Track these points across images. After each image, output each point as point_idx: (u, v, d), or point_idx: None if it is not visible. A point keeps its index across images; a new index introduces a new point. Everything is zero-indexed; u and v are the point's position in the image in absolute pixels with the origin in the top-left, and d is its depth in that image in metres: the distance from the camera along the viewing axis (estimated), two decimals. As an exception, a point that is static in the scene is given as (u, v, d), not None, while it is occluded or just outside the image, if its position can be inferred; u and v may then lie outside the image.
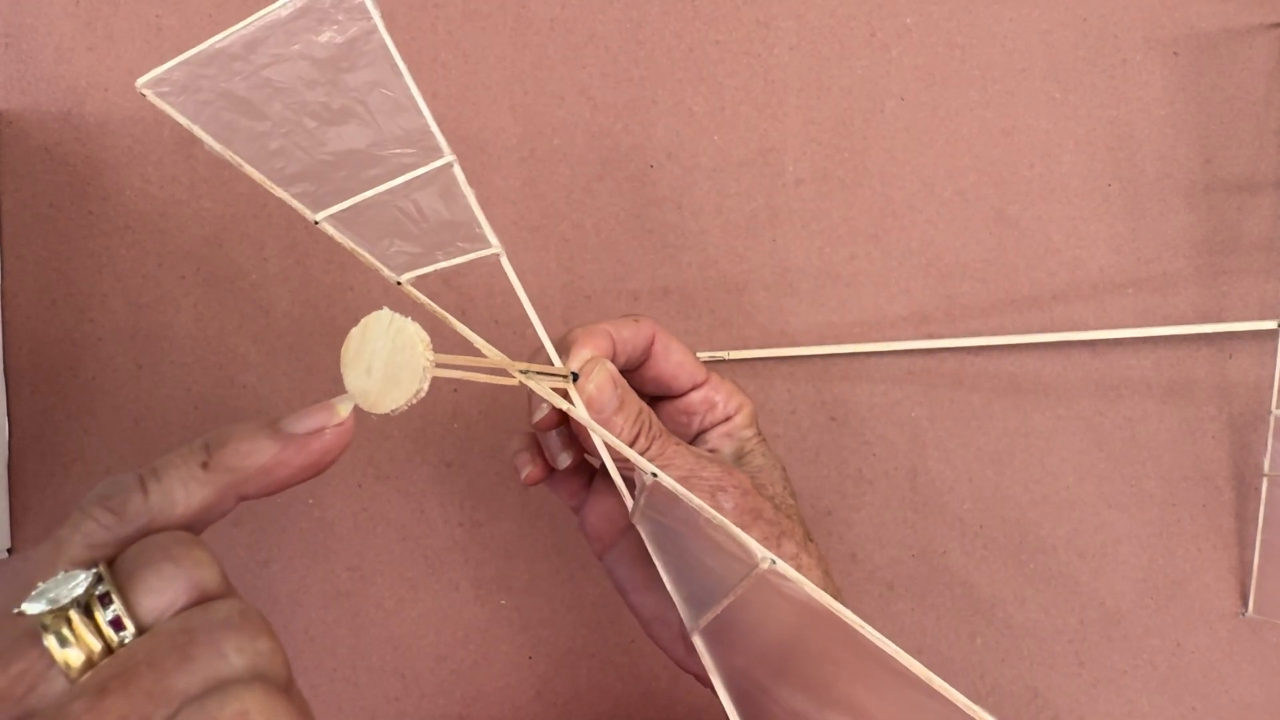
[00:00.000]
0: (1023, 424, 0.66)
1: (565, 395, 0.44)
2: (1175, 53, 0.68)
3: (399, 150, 0.43)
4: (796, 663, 0.37)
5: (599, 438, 0.44)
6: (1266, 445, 0.65)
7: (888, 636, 0.32)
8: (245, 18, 0.40)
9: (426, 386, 0.35)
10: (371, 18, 0.41)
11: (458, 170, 0.44)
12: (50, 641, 0.28)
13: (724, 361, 0.65)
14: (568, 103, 0.66)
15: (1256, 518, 0.65)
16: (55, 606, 0.29)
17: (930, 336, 0.66)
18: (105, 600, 0.29)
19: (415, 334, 0.34)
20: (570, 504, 0.53)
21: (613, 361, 0.47)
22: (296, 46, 0.41)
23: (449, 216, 0.44)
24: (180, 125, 0.42)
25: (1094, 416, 0.67)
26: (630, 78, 0.66)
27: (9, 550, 0.62)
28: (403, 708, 0.64)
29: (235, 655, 0.29)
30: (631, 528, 0.50)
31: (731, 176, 0.66)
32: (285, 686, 0.30)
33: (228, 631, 0.29)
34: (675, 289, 0.66)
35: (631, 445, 0.45)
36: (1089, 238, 0.67)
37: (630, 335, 0.49)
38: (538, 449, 0.51)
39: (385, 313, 0.35)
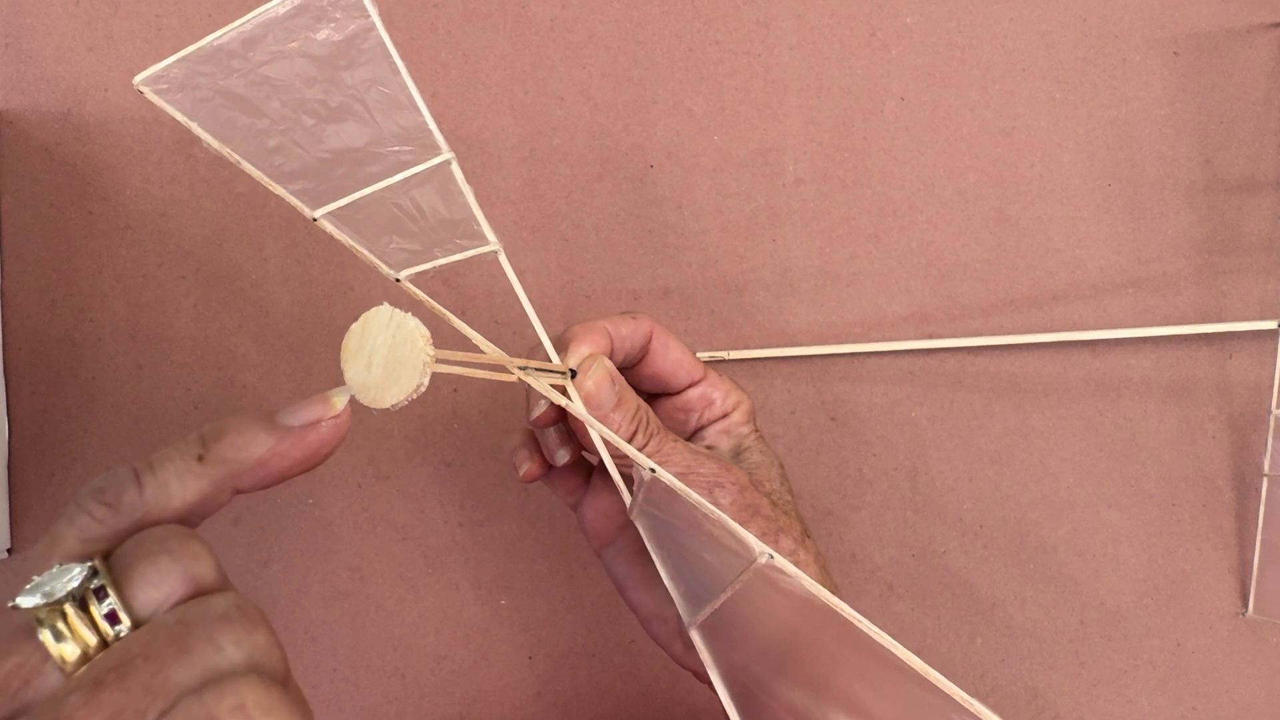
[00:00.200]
0: (1023, 424, 0.66)
1: (563, 392, 0.44)
2: (1175, 53, 0.68)
3: (397, 148, 0.43)
4: (794, 658, 0.37)
5: (597, 434, 0.44)
6: (1266, 445, 0.65)
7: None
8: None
9: (427, 381, 0.35)
10: (369, 15, 0.41)
11: (455, 168, 0.44)
12: (45, 636, 0.28)
13: (724, 361, 0.65)
14: (568, 103, 0.66)
15: (1256, 518, 0.65)
16: (50, 600, 0.28)
17: (930, 336, 0.66)
18: (100, 594, 0.29)
19: (415, 329, 0.34)
20: (568, 501, 0.53)
21: (611, 358, 0.47)
22: (294, 44, 0.41)
23: (447, 214, 0.44)
24: (180, 125, 0.42)
25: (1094, 416, 0.66)
26: (630, 78, 0.66)
27: (9, 550, 0.62)
28: (403, 708, 0.64)
29: (232, 648, 0.29)
30: (629, 524, 0.50)
31: (731, 176, 0.66)
32: (282, 680, 0.30)
33: (224, 625, 0.29)
34: (675, 289, 0.66)
35: (629, 442, 0.45)
36: (1089, 238, 0.67)
37: (628, 332, 0.49)
38: (535, 446, 0.51)
39: (385, 308, 0.35)
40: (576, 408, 0.44)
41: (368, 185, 0.43)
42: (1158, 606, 0.66)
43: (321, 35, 0.41)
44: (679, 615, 0.41)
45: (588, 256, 0.66)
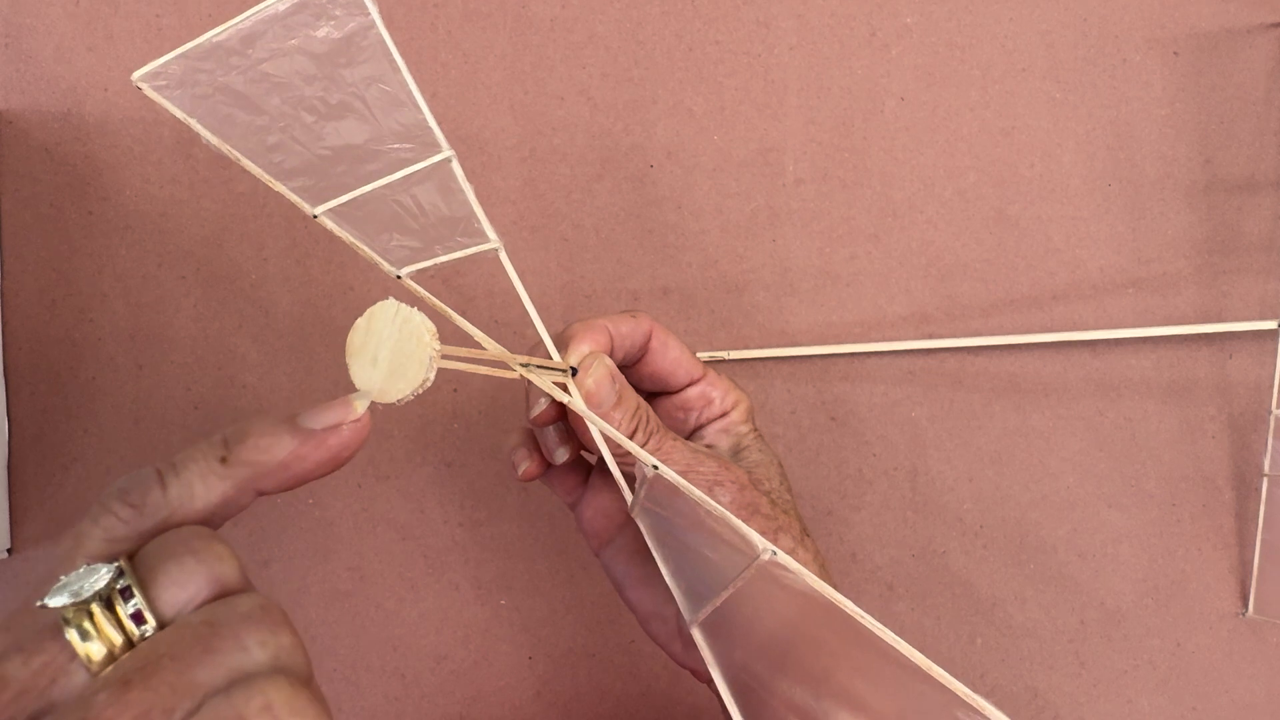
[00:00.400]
0: (1023, 424, 0.66)
1: (564, 389, 0.44)
2: (1175, 53, 0.68)
3: (397, 145, 0.43)
4: (795, 654, 0.37)
5: (598, 431, 0.44)
6: (1266, 445, 0.65)
7: (888, 637, 0.32)
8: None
9: (433, 376, 0.35)
10: (369, 13, 0.41)
11: (456, 165, 0.44)
12: (72, 635, 0.28)
13: (724, 361, 0.65)
14: (568, 103, 0.66)
15: (1256, 518, 0.65)
16: (77, 600, 0.29)
17: (930, 336, 0.66)
18: (126, 594, 0.29)
19: (421, 324, 0.35)
20: (567, 500, 0.53)
21: (610, 357, 0.47)
22: (294, 41, 0.41)
23: (448, 211, 0.44)
24: (180, 125, 0.42)
25: (1094, 416, 0.66)
26: (630, 78, 0.66)
27: (9, 550, 0.62)
28: (403, 708, 0.64)
29: (258, 649, 0.29)
30: (628, 523, 0.50)
31: (731, 176, 0.66)
32: (307, 680, 0.30)
33: (250, 625, 0.29)
34: (675, 289, 0.66)
35: (629, 439, 0.45)
36: (1089, 238, 0.67)
37: (628, 330, 0.49)
38: (535, 445, 0.51)
39: (391, 303, 0.35)
40: (577, 405, 0.44)
41: (368, 182, 0.43)
42: (1158, 606, 0.66)
43: (321, 32, 0.41)
44: (678, 614, 0.41)
45: (588, 256, 0.66)
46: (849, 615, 0.33)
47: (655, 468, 0.39)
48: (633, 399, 0.46)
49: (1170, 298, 0.67)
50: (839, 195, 0.67)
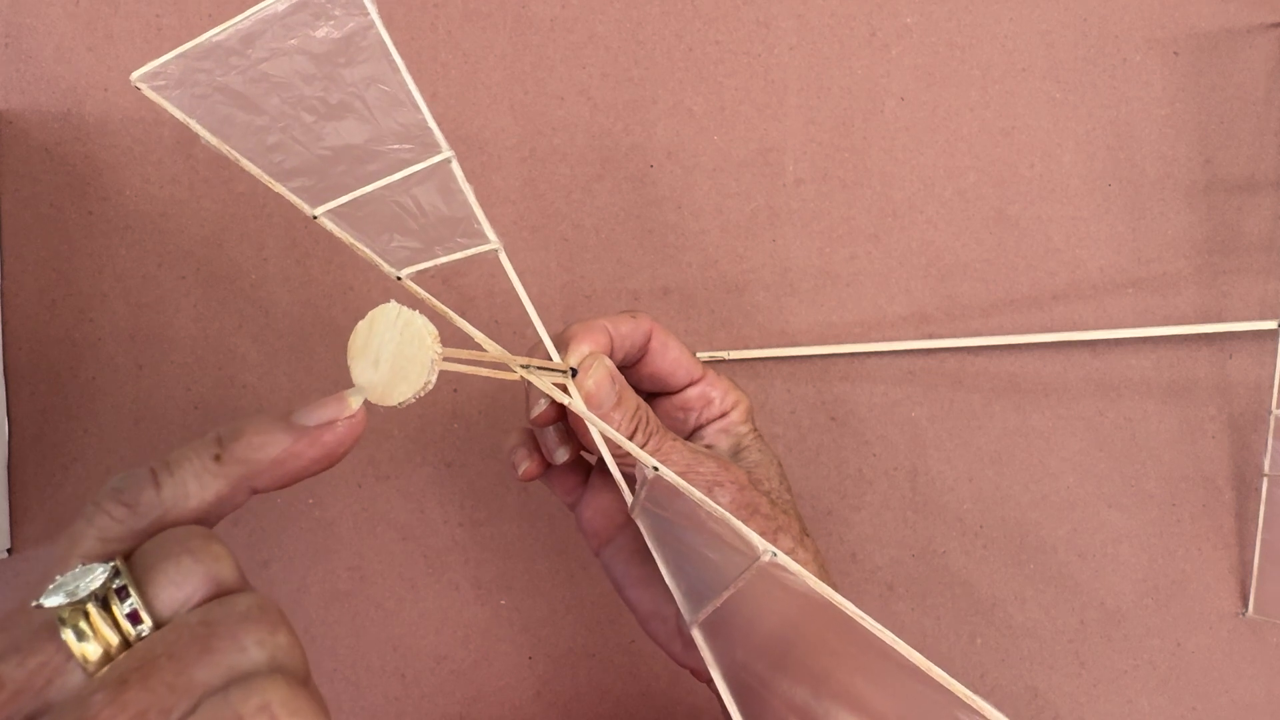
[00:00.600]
0: (1023, 424, 0.66)
1: (564, 390, 0.44)
2: (1175, 53, 0.68)
3: (397, 146, 0.43)
4: (795, 654, 0.37)
5: (598, 432, 0.44)
6: (1266, 445, 0.65)
7: (888, 636, 0.32)
8: (244, 15, 0.41)
9: (434, 379, 0.35)
10: (369, 13, 0.41)
11: (455, 166, 0.44)
12: (68, 635, 0.28)
13: (724, 361, 0.65)
14: (568, 103, 0.66)
15: (1256, 518, 0.65)
16: (73, 600, 0.29)
17: (930, 336, 0.66)
18: (122, 594, 0.29)
19: (423, 327, 0.35)
20: (566, 500, 0.53)
21: (610, 357, 0.47)
22: (293, 41, 0.41)
23: (448, 212, 0.44)
24: (180, 125, 0.42)
25: (1094, 416, 0.66)
26: (630, 78, 0.66)
27: (9, 550, 0.62)
28: (403, 708, 0.64)
29: (256, 648, 0.29)
30: (628, 523, 0.50)
31: (731, 176, 0.66)
32: (304, 679, 0.30)
33: (247, 624, 0.29)
34: (675, 289, 0.66)
35: (629, 440, 0.45)
36: (1089, 238, 0.67)
37: (628, 331, 0.49)
38: (534, 445, 0.51)
39: (393, 305, 0.35)
40: (577, 406, 0.44)
41: (368, 183, 0.43)
42: (1158, 606, 0.66)
43: (320, 32, 0.41)
44: (678, 613, 0.41)
45: (588, 256, 0.66)
46: (849, 616, 0.33)
47: (655, 469, 0.39)
48: (632, 400, 0.46)
49: (1170, 298, 0.67)
50: (839, 195, 0.67)
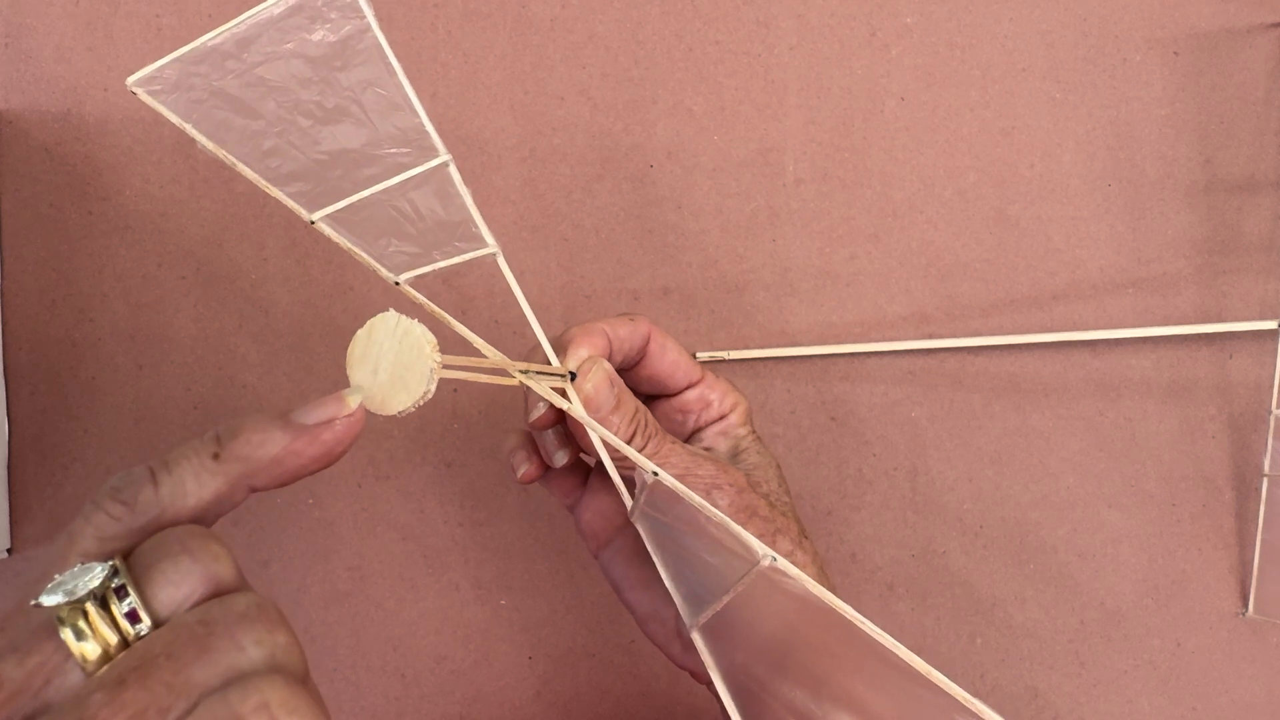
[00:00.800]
0: (1023, 424, 0.66)
1: (563, 394, 0.44)
2: (1175, 53, 0.68)
3: (394, 149, 0.43)
4: (795, 658, 0.37)
5: (597, 436, 0.44)
6: (1266, 445, 0.65)
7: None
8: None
9: (434, 388, 0.35)
10: (365, 16, 0.41)
11: (453, 169, 0.44)
12: (66, 634, 0.28)
13: (724, 361, 0.65)
14: (568, 103, 0.66)
15: (1256, 518, 0.65)
16: (71, 599, 0.28)
17: (930, 336, 0.66)
18: (121, 593, 0.29)
19: (422, 336, 0.35)
20: (565, 502, 0.53)
21: (609, 360, 0.47)
22: (289, 45, 0.41)
23: (445, 216, 0.44)
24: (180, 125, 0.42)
25: (1094, 416, 0.66)
26: (630, 78, 0.66)
27: (9, 550, 0.62)
28: (403, 708, 0.64)
29: (254, 648, 0.29)
30: (627, 525, 0.50)
31: (731, 176, 0.66)
32: (303, 679, 0.30)
33: (246, 624, 0.29)
34: (675, 289, 0.66)
35: (627, 444, 0.45)
36: (1089, 238, 0.67)
37: (626, 334, 0.49)
38: (533, 447, 0.51)
39: (391, 315, 0.35)
40: (576, 410, 0.44)
41: (365, 187, 0.43)
42: (1158, 606, 0.66)
43: (316, 36, 0.41)
44: (677, 616, 0.41)
45: (588, 256, 0.66)
46: (848, 620, 0.33)
47: (655, 474, 0.39)
48: (631, 403, 0.46)
49: (1170, 298, 0.67)
50: (839, 195, 0.67)
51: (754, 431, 0.53)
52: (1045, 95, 0.67)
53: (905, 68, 0.67)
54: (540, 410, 0.46)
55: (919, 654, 0.31)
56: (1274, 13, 0.68)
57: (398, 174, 0.43)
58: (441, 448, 0.65)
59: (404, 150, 0.43)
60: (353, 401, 0.35)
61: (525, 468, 0.51)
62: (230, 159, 0.42)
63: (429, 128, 0.43)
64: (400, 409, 0.35)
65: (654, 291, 0.66)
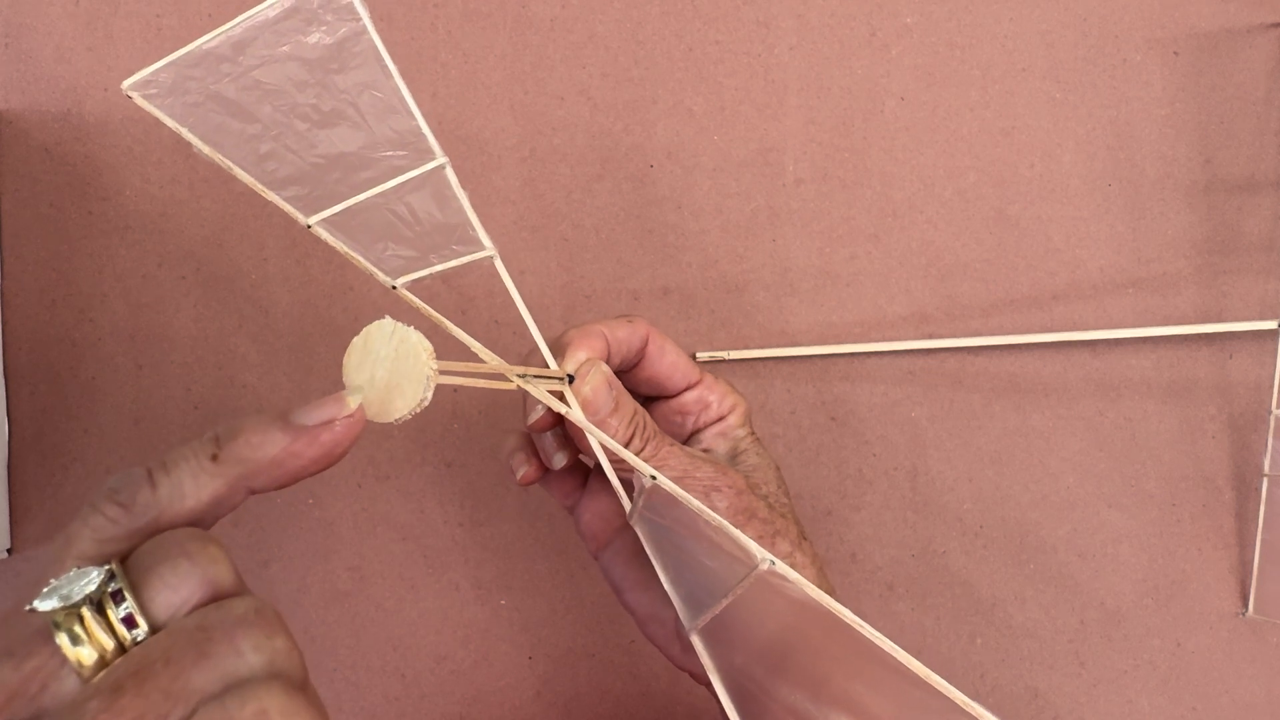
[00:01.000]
0: (1023, 424, 0.66)
1: (561, 397, 0.44)
2: (1175, 53, 0.68)
3: (391, 152, 0.43)
4: (794, 660, 0.37)
5: (595, 440, 0.44)
6: (1266, 445, 0.65)
7: (887, 636, 0.32)
8: (243, 19, 0.40)
9: (430, 395, 0.35)
10: (361, 18, 0.41)
11: (450, 172, 0.43)
12: (62, 639, 0.28)
13: (724, 361, 0.65)
14: (568, 103, 0.66)
15: (1256, 518, 0.65)
16: (67, 604, 0.28)
17: (930, 336, 0.66)
18: (118, 597, 0.29)
19: (418, 343, 0.34)
20: (565, 504, 0.53)
21: (607, 362, 0.47)
22: (285, 48, 0.41)
23: (442, 219, 0.44)
24: (179, 126, 0.42)
25: (1094, 416, 0.66)
26: (630, 78, 0.66)
27: (9, 550, 0.62)
28: (403, 708, 0.64)
29: (253, 653, 0.29)
30: (626, 526, 0.50)
31: (731, 176, 0.66)
32: (302, 684, 0.30)
33: (244, 629, 0.29)
34: (675, 289, 0.66)
35: (626, 446, 0.45)
36: (1089, 238, 0.67)
37: (625, 336, 0.49)
38: (533, 449, 0.51)
39: (388, 322, 0.35)
40: (575, 414, 0.44)
41: (362, 191, 0.43)
42: (1158, 606, 0.66)
43: (312, 38, 0.41)
44: (676, 617, 0.41)
45: (588, 256, 0.66)
46: (846, 623, 0.33)
47: (653, 478, 0.39)
48: (629, 405, 0.46)
49: (1170, 298, 0.67)
50: (839, 195, 0.67)
51: (753, 433, 0.53)
52: (1045, 95, 0.67)
53: (905, 68, 0.67)
54: (539, 413, 0.46)
55: (919, 654, 0.31)
56: (1274, 13, 0.67)
57: (395, 177, 0.43)
58: (441, 448, 0.65)
59: (401, 153, 0.43)
60: (352, 402, 0.35)
61: (524, 470, 0.51)
62: (226, 163, 0.42)
63: (425, 130, 0.43)
64: (397, 416, 0.35)
65: (654, 291, 0.66)
